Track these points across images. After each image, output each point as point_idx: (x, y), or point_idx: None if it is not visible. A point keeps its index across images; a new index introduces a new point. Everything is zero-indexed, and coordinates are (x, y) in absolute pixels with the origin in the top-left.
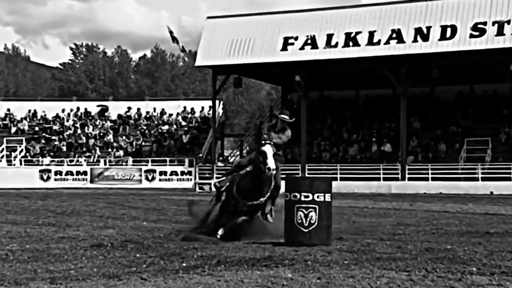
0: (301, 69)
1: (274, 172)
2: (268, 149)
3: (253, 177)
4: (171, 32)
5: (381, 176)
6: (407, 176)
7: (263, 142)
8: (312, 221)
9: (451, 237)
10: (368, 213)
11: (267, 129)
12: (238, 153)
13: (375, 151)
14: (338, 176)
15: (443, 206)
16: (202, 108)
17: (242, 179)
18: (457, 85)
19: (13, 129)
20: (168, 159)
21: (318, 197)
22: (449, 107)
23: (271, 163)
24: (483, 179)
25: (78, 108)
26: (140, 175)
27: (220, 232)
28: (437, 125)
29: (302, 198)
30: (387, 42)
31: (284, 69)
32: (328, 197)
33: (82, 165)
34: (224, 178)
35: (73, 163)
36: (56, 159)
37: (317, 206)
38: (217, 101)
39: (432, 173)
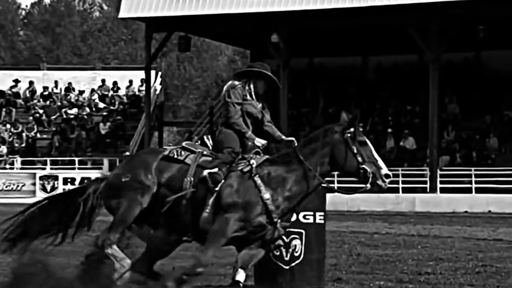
0: (281, 25)
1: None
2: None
3: (297, 183)
4: None
5: (400, 185)
6: (439, 185)
7: (349, 128)
8: (296, 254)
9: (506, 278)
10: (380, 241)
11: (239, 95)
12: None
13: (391, 148)
14: (336, 185)
15: (494, 231)
16: (130, 82)
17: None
18: None
19: None
20: (77, 159)
21: (304, 217)
22: (503, 82)
23: (385, 167)
24: None
25: None
26: (34, 184)
27: (241, 276)
28: (485, 109)
29: None
30: None
31: (254, 25)
32: (320, 218)
33: None
34: (218, 169)
35: None
36: None
37: (303, 231)
38: (153, 72)
39: (477, 182)
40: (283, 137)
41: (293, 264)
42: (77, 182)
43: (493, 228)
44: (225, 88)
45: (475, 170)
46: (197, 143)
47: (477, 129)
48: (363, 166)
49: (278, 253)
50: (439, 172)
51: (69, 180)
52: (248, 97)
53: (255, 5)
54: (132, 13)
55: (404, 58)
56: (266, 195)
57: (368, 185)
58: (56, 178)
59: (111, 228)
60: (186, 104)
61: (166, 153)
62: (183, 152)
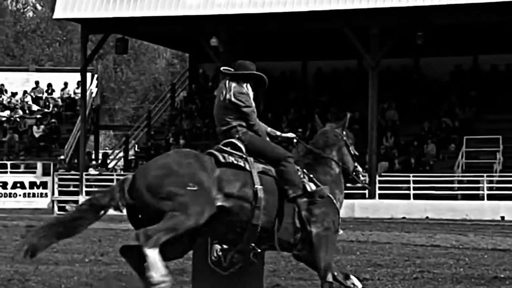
0: (220, 28)
1: None
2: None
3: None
4: None
5: None
6: (377, 191)
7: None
8: (235, 259)
9: (443, 284)
10: None
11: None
12: (122, 154)
13: None
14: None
15: (431, 237)
16: (65, 84)
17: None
18: (454, 55)
19: None
20: (9, 163)
21: None
22: (441, 89)
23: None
24: (490, 197)
25: None
26: None
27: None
28: (423, 116)
29: None
30: None
31: (193, 27)
32: None
33: None
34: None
35: None
36: None
37: None
38: (88, 75)
39: (415, 188)
40: (278, 133)
41: (232, 270)
42: (9, 186)
43: (430, 234)
44: (232, 90)
45: (413, 176)
46: (228, 147)
47: (415, 135)
48: (356, 164)
49: (216, 259)
50: (377, 178)
51: (0, 184)
52: None
53: (194, 8)
54: (68, 13)
55: (343, 64)
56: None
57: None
58: None
59: (161, 229)
60: (123, 108)
61: (220, 158)
62: (232, 157)
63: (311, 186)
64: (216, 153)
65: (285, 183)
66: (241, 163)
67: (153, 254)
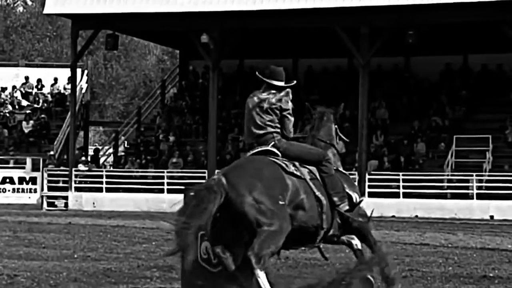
0: (211, 25)
1: None
2: None
3: None
4: None
5: None
6: (367, 190)
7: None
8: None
9: (432, 282)
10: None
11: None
12: (112, 150)
13: None
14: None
15: (420, 236)
16: (55, 80)
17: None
18: (444, 54)
19: None
20: None
21: None
22: (431, 88)
23: None
24: (480, 196)
25: None
26: None
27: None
28: (413, 115)
29: None
30: None
31: (184, 24)
32: None
33: None
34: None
35: None
36: None
37: None
38: (79, 70)
39: (404, 187)
40: None
41: (220, 268)
42: None
43: (419, 232)
44: (288, 102)
45: (402, 175)
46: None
47: (405, 134)
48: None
49: (206, 256)
50: (367, 176)
51: None
52: None
53: (186, 4)
54: (58, 8)
55: (334, 62)
56: None
57: None
58: None
59: (267, 247)
60: (113, 104)
61: (285, 167)
62: (292, 166)
63: (356, 197)
64: (279, 162)
65: (331, 189)
66: (298, 173)
67: (263, 276)
